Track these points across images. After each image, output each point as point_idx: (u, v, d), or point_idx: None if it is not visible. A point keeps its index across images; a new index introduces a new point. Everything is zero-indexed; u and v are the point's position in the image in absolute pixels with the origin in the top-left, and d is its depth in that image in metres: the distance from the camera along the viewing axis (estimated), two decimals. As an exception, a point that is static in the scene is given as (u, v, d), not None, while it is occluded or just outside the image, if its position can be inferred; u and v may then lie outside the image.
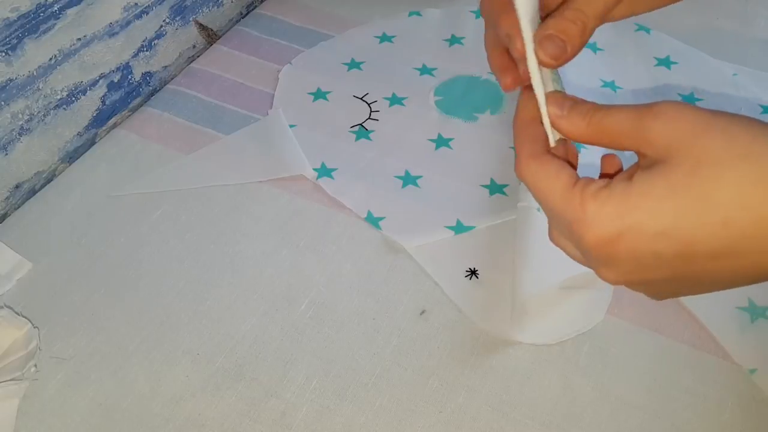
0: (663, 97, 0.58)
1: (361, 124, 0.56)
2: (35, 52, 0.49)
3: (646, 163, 0.25)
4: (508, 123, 0.56)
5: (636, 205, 0.24)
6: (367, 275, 0.46)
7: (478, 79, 0.60)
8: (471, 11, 0.67)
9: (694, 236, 0.23)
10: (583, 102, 0.27)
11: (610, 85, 0.58)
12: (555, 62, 0.27)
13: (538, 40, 0.27)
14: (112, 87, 0.57)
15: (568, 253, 0.29)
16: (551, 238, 0.30)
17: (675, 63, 0.60)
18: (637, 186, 0.24)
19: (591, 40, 0.69)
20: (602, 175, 0.29)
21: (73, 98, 0.54)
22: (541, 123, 0.28)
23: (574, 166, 0.28)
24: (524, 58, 0.28)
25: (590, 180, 0.26)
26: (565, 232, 0.27)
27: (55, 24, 0.50)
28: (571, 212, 0.25)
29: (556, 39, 0.28)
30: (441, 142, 0.55)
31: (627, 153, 0.26)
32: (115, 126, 0.58)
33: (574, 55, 0.28)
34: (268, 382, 0.41)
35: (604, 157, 0.29)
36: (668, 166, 0.23)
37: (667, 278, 0.26)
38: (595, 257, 0.25)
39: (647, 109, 0.24)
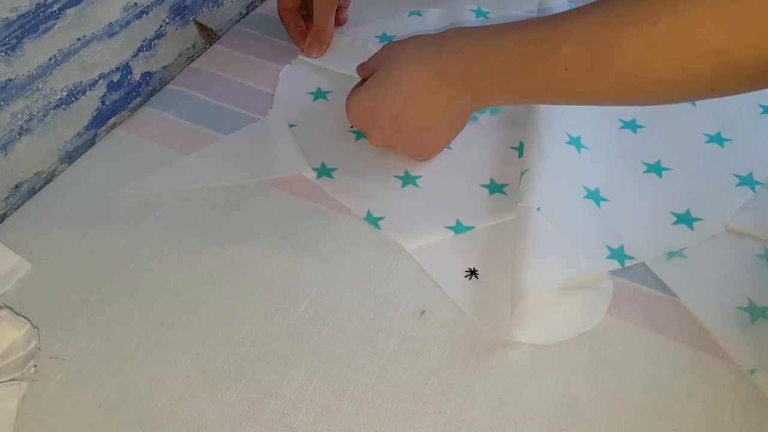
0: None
1: (361, 124, 0.56)
2: (35, 52, 0.49)
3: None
4: (508, 123, 0.56)
5: (366, 90, 0.48)
6: (367, 275, 0.46)
7: (478, 79, 0.60)
8: (471, 10, 0.67)
9: (386, 100, 0.47)
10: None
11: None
12: (321, 52, 0.63)
13: (305, 47, 0.62)
14: (111, 87, 0.57)
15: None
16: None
17: (675, 63, 0.60)
18: (367, 82, 0.49)
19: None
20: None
21: (73, 98, 0.54)
22: None
23: None
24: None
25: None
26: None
27: (55, 24, 0.50)
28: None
29: (313, 44, 0.62)
30: (441, 142, 0.55)
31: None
32: (114, 126, 0.58)
33: (327, 46, 0.63)
34: (268, 382, 0.41)
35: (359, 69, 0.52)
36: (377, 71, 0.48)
37: (381, 126, 0.49)
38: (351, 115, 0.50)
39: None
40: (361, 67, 0.51)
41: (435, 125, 0.48)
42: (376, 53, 0.50)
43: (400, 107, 0.46)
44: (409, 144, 0.50)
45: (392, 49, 0.48)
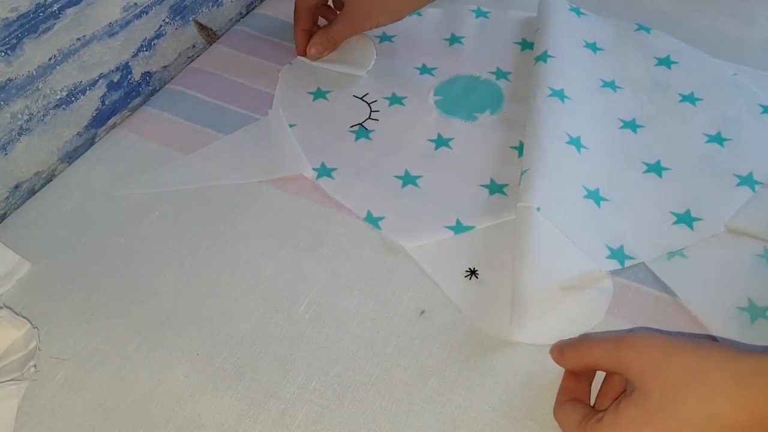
0: (663, 95, 0.58)
1: (360, 124, 0.56)
2: (35, 52, 0.49)
3: (629, 389, 0.33)
4: (507, 123, 0.56)
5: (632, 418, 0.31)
6: (367, 275, 0.46)
7: (478, 79, 0.60)
8: (471, 10, 0.67)
9: None
10: (570, 343, 0.37)
11: (610, 85, 0.58)
12: (320, 56, 0.61)
13: (308, 48, 0.60)
14: (111, 87, 0.57)
15: None
16: None
17: (675, 63, 0.60)
18: (623, 416, 0.31)
19: (591, 40, 0.70)
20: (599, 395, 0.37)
21: (73, 98, 0.54)
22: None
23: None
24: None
25: (592, 414, 0.34)
26: None
27: (55, 24, 0.50)
28: None
29: (318, 45, 0.60)
30: (441, 142, 0.55)
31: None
32: (114, 126, 0.58)
33: (328, 53, 0.61)
34: (268, 382, 0.41)
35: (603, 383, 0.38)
36: (643, 394, 0.31)
37: None
38: None
39: (621, 341, 0.33)
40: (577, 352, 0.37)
41: None
42: (625, 341, 0.33)
43: None
44: None
45: (666, 360, 0.32)
